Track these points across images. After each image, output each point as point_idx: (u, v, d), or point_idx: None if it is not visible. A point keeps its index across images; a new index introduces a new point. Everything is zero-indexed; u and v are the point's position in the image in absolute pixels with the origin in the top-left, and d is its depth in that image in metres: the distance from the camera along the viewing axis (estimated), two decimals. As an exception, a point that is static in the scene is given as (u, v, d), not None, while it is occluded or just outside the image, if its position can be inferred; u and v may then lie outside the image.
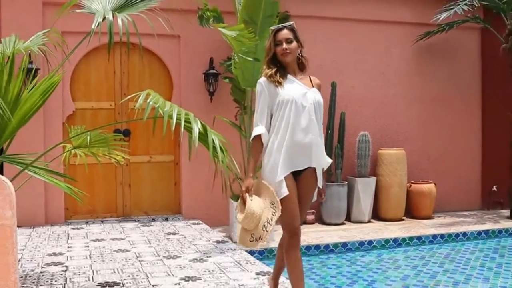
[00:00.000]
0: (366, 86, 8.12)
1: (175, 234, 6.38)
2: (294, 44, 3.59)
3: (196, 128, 2.95)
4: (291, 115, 3.48)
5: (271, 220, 3.33)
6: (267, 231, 3.34)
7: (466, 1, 7.68)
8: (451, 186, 8.43)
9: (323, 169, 3.71)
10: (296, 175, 3.55)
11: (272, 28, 3.64)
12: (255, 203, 3.36)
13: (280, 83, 3.52)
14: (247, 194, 3.42)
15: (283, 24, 3.65)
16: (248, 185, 3.44)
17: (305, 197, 3.64)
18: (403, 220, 7.82)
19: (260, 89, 3.55)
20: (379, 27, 8.18)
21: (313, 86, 3.67)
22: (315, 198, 3.77)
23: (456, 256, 6.17)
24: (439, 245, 6.70)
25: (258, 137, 3.50)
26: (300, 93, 3.54)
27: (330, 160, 3.76)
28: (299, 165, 3.52)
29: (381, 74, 8.22)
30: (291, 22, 3.70)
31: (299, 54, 3.64)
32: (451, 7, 7.74)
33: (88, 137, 4.11)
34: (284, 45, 3.55)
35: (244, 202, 3.39)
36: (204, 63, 7.30)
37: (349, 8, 7.97)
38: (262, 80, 3.57)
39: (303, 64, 3.67)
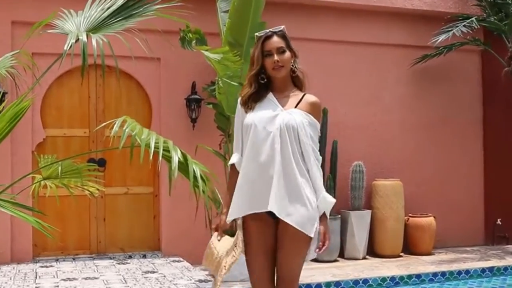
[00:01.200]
0: (360, 112, 8.18)
1: (153, 272, 6.32)
2: (287, 54, 3.19)
3: (176, 157, 2.94)
4: (249, 142, 3.13)
5: (226, 265, 3.10)
6: (220, 277, 3.10)
7: (465, 23, 7.81)
8: (452, 219, 8.45)
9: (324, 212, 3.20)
10: (277, 219, 3.10)
11: (258, 34, 3.25)
12: (221, 243, 3.19)
13: (249, 107, 3.19)
14: (215, 233, 3.23)
15: (272, 29, 3.25)
16: (218, 223, 3.22)
17: (281, 250, 3.15)
18: (400, 256, 7.81)
19: (236, 111, 3.28)
20: (374, 49, 8.29)
21: (296, 106, 3.21)
22: (312, 253, 3.26)
23: (459, 296, 6.17)
24: (440, 283, 6.68)
25: (233, 166, 3.28)
26: (266, 116, 3.12)
27: (330, 200, 3.20)
28: (255, 206, 3.09)
29: (376, 99, 8.30)
30: (281, 27, 3.26)
31: (292, 66, 3.24)
32: (450, 29, 7.86)
33: (60, 167, 4.08)
34: (276, 57, 3.15)
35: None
36: (186, 87, 7.33)
37: (341, 30, 8.07)
38: (239, 100, 3.26)
39: (298, 78, 3.29)
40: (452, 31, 7.81)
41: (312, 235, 3.11)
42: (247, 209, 3.12)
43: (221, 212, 3.22)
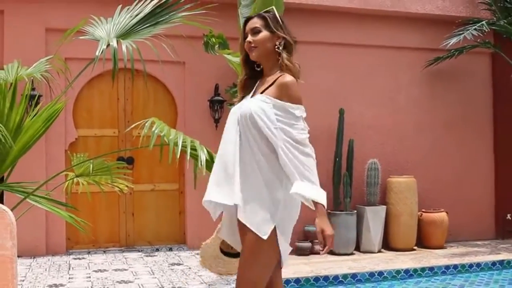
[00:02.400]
0: (375, 112, 8.13)
1: (179, 264, 6.34)
2: (263, 34, 2.81)
3: (203, 155, 2.95)
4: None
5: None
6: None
7: (475, 26, 7.73)
8: (464, 214, 8.36)
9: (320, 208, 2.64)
10: None
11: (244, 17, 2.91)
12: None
13: (237, 97, 2.89)
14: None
15: (256, 13, 2.92)
16: None
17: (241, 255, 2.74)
18: (414, 250, 7.74)
19: None
20: (388, 52, 8.23)
21: (264, 91, 2.78)
22: (285, 258, 2.76)
23: (470, 288, 6.09)
24: (452, 276, 6.61)
25: None
26: (237, 107, 2.83)
27: (307, 192, 2.60)
28: (220, 197, 2.79)
29: (390, 100, 8.24)
30: (268, 8, 2.95)
31: (277, 47, 2.82)
32: (461, 32, 7.78)
33: (91, 165, 4.12)
34: (249, 37, 2.81)
35: None
36: (209, 89, 7.34)
37: (357, 34, 8.03)
38: None
39: (282, 60, 2.82)
40: (463, 34, 7.73)
41: (264, 237, 2.62)
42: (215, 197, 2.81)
43: None
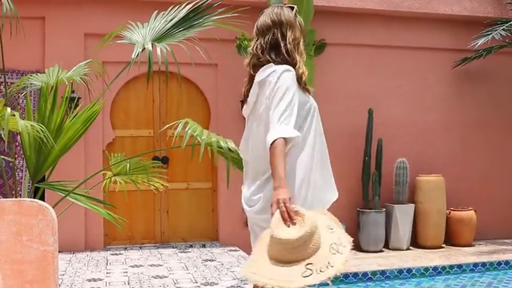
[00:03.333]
0: (404, 112, 8.03)
1: (212, 260, 6.36)
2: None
3: (230, 156, 2.96)
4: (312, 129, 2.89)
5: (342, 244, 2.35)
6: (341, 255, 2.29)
7: (504, 27, 7.59)
8: (492, 213, 8.20)
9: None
10: None
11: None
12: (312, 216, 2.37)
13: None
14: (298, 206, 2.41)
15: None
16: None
17: None
18: (442, 247, 7.64)
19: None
20: (416, 53, 8.12)
21: None
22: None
23: (499, 286, 5.98)
24: (481, 273, 6.50)
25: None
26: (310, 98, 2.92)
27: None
28: None
29: (419, 100, 8.13)
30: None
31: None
32: (489, 32, 7.64)
33: (128, 165, 4.16)
34: None
35: (288, 218, 2.32)
36: (241, 91, 7.32)
37: (385, 35, 7.94)
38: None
39: None
40: (491, 35, 7.59)
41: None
42: None
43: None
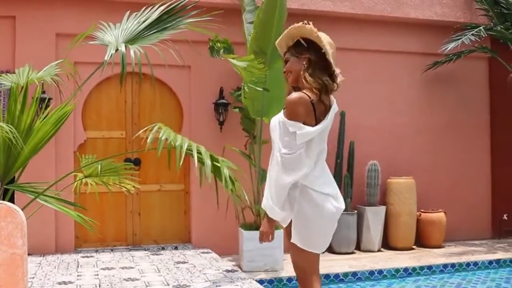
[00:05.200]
0: (375, 115, 8.13)
1: (184, 263, 6.34)
2: (290, 61, 3.19)
3: (208, 161, 2.96)
4: None
5: None
6: None
7: (473, 32, 7.72)
8: (461, 214, 8.35)
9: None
10: None
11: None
12: None
13: None
14: None
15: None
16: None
17: None
18: (413, 249, 7.74)
19: None
20: (387, 57, 8.22)
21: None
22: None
23: (468, 286, 6.08)
24: (450, 274, 6.61)
25: None
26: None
27: (264, 203, 3.12)
28: None
29: (390, 103, 8.24)
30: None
31: (304, 68, 3.12)
32: (459, 37, 7.77)
33: (99, 166, 4.13)
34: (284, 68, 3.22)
35: None
36: (214, 93, 7.34)
37: (357, 39, 8.02)
38: None
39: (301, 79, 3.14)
40: (461, 39, 7.72)
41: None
42: None
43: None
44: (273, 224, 3.12)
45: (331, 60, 3.16)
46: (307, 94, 3.08)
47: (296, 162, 3.02)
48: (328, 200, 3.12)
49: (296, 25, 3.22)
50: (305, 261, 3.19)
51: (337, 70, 3.21)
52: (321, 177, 3.18)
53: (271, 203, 3.07)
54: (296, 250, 3.15)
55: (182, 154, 2.97)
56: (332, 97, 3.25)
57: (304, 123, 3.05)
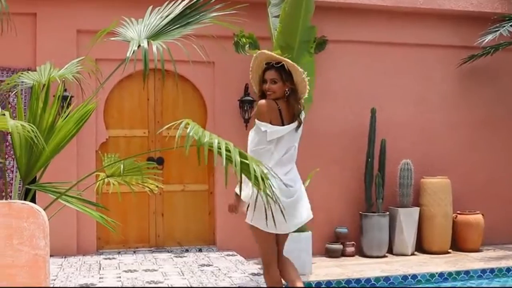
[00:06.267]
0: (408, 111, 8.08)
1: (209, 265, 6.40)
2: (278, 85, 4.11)
3: (238, 158, 2.97)
4: None
5: None
6: None
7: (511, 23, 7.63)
8: (500, 216, 8.24)
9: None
10: None
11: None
12: None
13: None
14: None
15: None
16: None
17: None
18: (449, 253, 7.68)
19: None
20: (420, 50, 8.17)
21: None
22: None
23: (507, 292, 6.02)
24: (489, 280, 6.54)
25: None
26: None
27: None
28: None
29: (423, 99, 8.17)
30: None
31: (286, 93, 4.11)
32: (496, 29, 7.69)
33: (122, 166, 4.17)
34: (268, 84, 4.13)
35: None
36: (239, 89, 7.38)
37: (388, 32, 7.98)
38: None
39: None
40: (499, 31, 7.63)
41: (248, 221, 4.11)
42: None
43: None
44: (238, 199, 4.12)
45: (300, 89, 4.14)
46: (275, 101, 4.10)
47: (265, 155, 3.97)
48: (282, 188, 3.89)
49: (267, 51, 4.22)
50: (257, 237, 4.17)
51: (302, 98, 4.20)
52: (284, 168, 4.07)
53: (244, 189, 3.93)
54: (249, 227, 4.16)
55: (212, 152, 2.99)
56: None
57: (271, 123, 4.03)
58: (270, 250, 4.15)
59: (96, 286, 5.42)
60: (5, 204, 2.98)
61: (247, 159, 3.04)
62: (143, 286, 5.41)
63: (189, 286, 5.39)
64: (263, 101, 4.11)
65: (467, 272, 6.58)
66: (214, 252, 7.22)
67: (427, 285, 6.31)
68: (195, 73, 7.20)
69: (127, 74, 6.89)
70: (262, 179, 3.02)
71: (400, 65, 8.09)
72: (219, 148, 2.99)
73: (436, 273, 6.48)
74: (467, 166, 8.26)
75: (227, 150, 3.02)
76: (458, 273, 6.55)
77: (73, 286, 5.41)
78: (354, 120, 7.78)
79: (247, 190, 3.92)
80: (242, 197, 4.03)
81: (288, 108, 4.12)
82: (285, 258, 4.29)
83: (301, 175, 6.80)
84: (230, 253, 7.12)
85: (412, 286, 6.25)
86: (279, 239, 4.24)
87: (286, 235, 4.29)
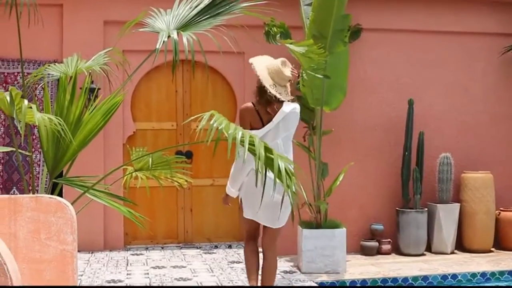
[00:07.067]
0: (447, 103, 7.98)
1: (239, 262, 6.44)
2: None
3: (262, 151, 2.99)
4: None
5: None
6: None
7: (561, 8, 7.47)
8: (546, 214, 8.09)
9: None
10: None
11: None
12: None
13: None
14: None
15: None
16: None
17: None
18: (491, 251, 7.59)
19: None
20: (460, 38, 8.05)
21: None
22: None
23: (553, 294, 5.93)
24: (534, 280, 6.46)
25: None
26: None
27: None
28: None
29: (464, 89, 8.07)
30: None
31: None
32: (544, 15, 7.54)
33: (150, 160, 4.23)
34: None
35: None
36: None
37: (426, 19, 7.89)
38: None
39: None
40: (546, 17, 7.48)
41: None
42: None
43: None
44: (228, 194, 4.86)
45: (266, 85, 4.39)
46: (253, 104, 4.54)
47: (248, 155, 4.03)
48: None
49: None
50: (242, 223, 4.96)
51: (273, 91, 4.39)
52: None
53: (228, 184, 4.83)
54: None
55: (234, 144, 3.01)
56: (286, 103, 4.47)
57: (251, 126, 4.48)
58: (246, 231, 4.87)
59: (124, 282, 5.51)
60: (32, 198, 3.05)
61: (272, 154, 3.06)
62: (171, 283, 5.49)
63: (218, 283, 5.44)
64: (242, 107, 4.65)
65: (511, 273, 6.49)
66: (244, 249, 7.25)
67: (468, 285, 6.25)
68: (224, 64, 7.25)
69: (154, 65, 6.95)
70: (288, 175, 3.03)
71: (439, 54, 7.99)
72: (243, 140, 3.01)
73: (478, 272, 6.42)
74: (511, 161, 8.13)
75: (251, 144, 3.03)
76: (501, 273, 6.48)
77: (100, 282, 5.51)
78: (390, 111, 7.73)
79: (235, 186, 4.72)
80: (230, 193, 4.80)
81: (266, 111, 4.49)
82: (267, 261, 4.78)
83: (335, 169, 6.86)
84: (261, 249, 7.13)
85: (453, 286, 6.20)
86: (263, 230, 4.80)
87: (269, 228, 4.73)
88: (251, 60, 4.54)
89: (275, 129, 4.46)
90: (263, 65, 4.51)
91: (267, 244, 4.73)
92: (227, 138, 3.01)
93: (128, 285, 5.42)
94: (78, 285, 3.23)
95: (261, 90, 4.46)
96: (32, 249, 3.04)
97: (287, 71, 4.50)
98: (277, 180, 3.11)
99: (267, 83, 4.42)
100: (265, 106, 4.47)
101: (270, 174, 3.23)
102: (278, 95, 4.41)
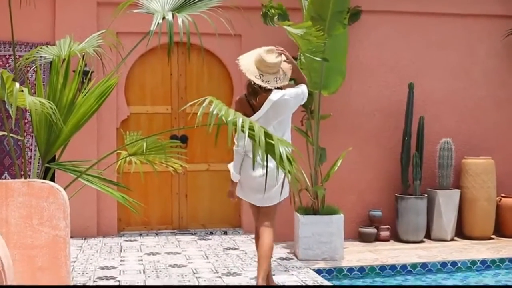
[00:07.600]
0: (448, 87, 7.99)
1: (234, 249, 6.48)
2: None
3: (262, 137, 3.01)
4: None
5: None
6: None
7: None
8: (548, 200, 8.14)
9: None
10: None
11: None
12: None
13: None
14: None
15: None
16: None
17: None
18: (492, 238, 7.64)
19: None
20: (461, 21, 8.03)
21: None
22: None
23: (555, 281, 5.98)
24: (536, 268, 6.50)
25: None
26: None
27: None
28: None
29: (465, 73, 8.07)
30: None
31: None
32: (548, -4, 7.52)
33: (144, 144, 4.25)
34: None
35: None
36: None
37: (426, 1, 7.86)
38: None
39: None
40: (551, -1, 7.47)
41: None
42: None
43: None
44: (234, 185, 4.91)
45: (250, 77, 4.56)
46: (245, 95, 4.75)
47: (241, 139, 4.28)
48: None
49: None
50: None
51: (257, 81, 4.55)
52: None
53: (232, 169, 4.87)
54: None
55: (233, 131, 3.03)
56: (275, 90, 4.64)
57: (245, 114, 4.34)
58: (253, 216, 4.97)
59: (117, 268, 5.54)
60: (24, 183, 3.07)
61: (272, 140, 3.08)
62: (165, 269, 5.52)
63: (213, 270, 5.48)
64: (236, 99, 4.93)
65: (511, 260, 6.54)
66: (240, 235, 7.30)
67: (468, 273, 6.30)
68: (221, 46, 7.19)
69: (148, 48, 6.94)
70: (289, 160, 3.06)
71: (440, 37, 7.98)
72: (243, 127, 3.03)
73: (478, 260, 6.46)
74: (512, 146, 8.16)
75: (251, 129, 3.06)
76: (502, 260, 6.51)
77: (93, 268, 5.54)
78: (390, 95, 7.73)
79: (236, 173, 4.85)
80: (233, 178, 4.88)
81: (258, 101, 4.66)
82: (261, 240, 4.76)
83: (333, 154, 6.88)
84: (257, 236, 7.17)
85: (453, 286, 6.20)
86: (258, 210, 4.86)
87: (261, 208, 4.80)
88: (239, 58, 4.69)
89: (265, 117, 4.59)
90: (251, 59, 4.65)
91: (261, 223, 4.82)
92: (226, 124, 3.03)
93: (127, 284, 5.45)
94: (71, 271, 3.25)
95: (249, 82, 4.63)
96: (24, 235, 3.06)
97: (270, 57, 4.57)
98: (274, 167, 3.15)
99: (252, 75, 4.56)
100: (253, 97, 4.64)
101: (258, 158, 3.33)
102: (264, 84, 4.55)
